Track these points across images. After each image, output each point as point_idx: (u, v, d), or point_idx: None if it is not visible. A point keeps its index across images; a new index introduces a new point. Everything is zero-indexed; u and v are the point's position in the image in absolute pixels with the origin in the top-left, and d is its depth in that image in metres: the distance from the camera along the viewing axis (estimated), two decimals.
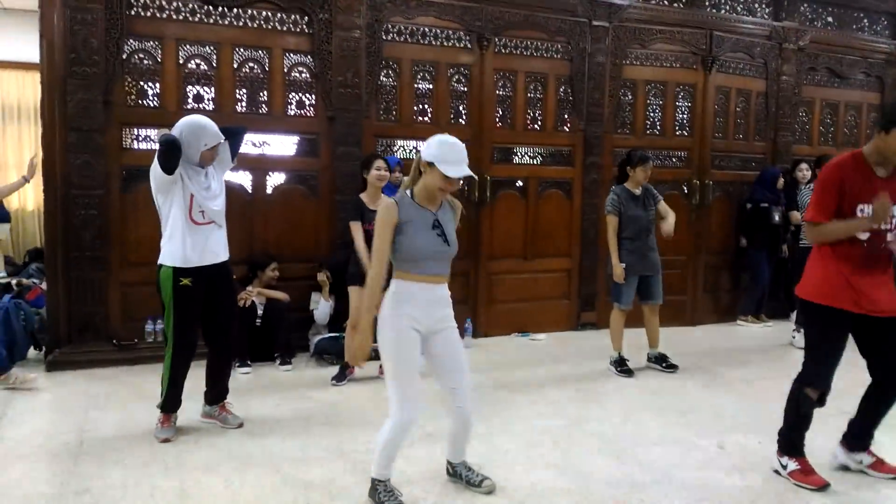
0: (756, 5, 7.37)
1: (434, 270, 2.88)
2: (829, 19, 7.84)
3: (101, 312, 5.11)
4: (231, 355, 4.11)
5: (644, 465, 3.49)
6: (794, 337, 6.05)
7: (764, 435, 3.82)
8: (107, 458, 3.43)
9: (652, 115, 6.96)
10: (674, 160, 7.06)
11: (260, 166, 5.59)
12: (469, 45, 6.13)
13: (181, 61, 5.29)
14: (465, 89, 6.18)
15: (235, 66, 5.43)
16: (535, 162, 6.64)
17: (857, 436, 3.42)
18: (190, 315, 3.76)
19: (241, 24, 5.40)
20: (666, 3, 6.88)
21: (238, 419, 3.95)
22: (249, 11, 5.41)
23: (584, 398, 4.60)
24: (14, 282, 6.02)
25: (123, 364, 5.05)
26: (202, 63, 5.35)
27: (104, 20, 4.97)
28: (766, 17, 7.40)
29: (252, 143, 5.57)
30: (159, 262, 3.74)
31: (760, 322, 7.19)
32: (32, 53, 5.42)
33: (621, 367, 5.17)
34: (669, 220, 5.13)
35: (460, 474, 3.16)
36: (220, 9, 5.32)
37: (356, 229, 4.62)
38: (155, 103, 5.25)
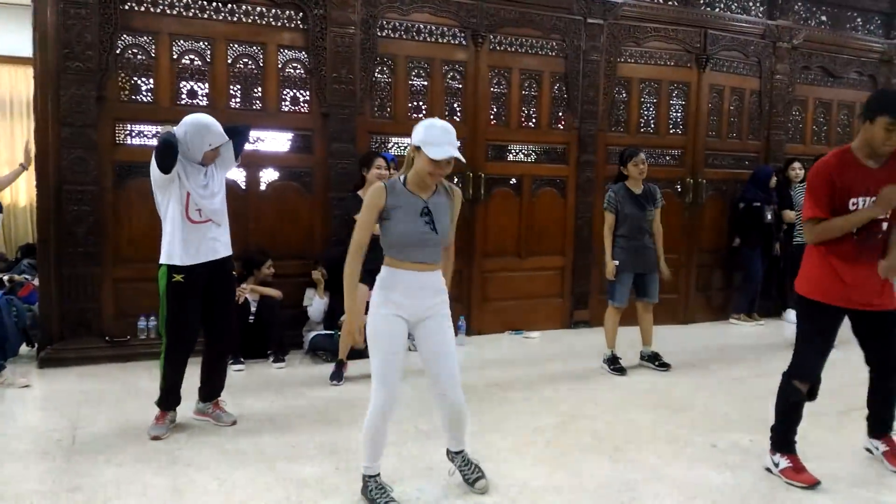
0: (750, 4, 7.39)
1: (420, 257, 2.86)
2: (823, 18, 7.87)
3: (94, 309, 5.10)
4: (228, 353, 4.10)
5: (636, 462, 3.50)
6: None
7: (756, 433, 3.84)
8: (99, 456, 3.42)
9: (646, 113, 6.97)
10: (667, 158, 7.08)
11: (254, 163, 5.58)
12: (464, 42, 6.13)
13: (175, 57, 5.27)
14: (460, 86, 6.18)
15: (230, 61, 5.41)
16: (529, 160, 6.65)
17: (873, 422, 3.50)
18: (183, 312, 3.74)
19: (235, 19, 5.39)
20: (661, 1, 6.89)
21: (231, 417, 3.94)
22: (244, 7, 5.39)
23: (576, 396, 4.61)
24: (6, 278, 6.00)
25: (116, 361, 5.04)
26: (196, 58, 5.33)
27: (98, 15, 4.95)
28: (760, 15, 7.41)
29: (246, 140, 5.55)
30: (160, 260, 3.74)
31: (753, 321, 7.23)
32: (25, 48, 5.40)
33: (614, 365, 5.19)
34: (663, 265, 5.24)
35: (457, 466, 3.15)
36: (214, 4, 5.30)
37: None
38: (149, 99, 5.23)
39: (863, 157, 3.19)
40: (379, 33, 5.79)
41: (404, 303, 2.86)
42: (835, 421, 3.52)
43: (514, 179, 6.52)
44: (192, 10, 5.26)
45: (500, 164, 6.44)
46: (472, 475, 3.11)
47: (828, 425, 3.51)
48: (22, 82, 8.01)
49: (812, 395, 3.29)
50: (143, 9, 5.13)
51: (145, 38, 5.18)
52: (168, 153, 3.55)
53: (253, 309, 5.21)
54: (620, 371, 5.15)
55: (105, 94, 5.04)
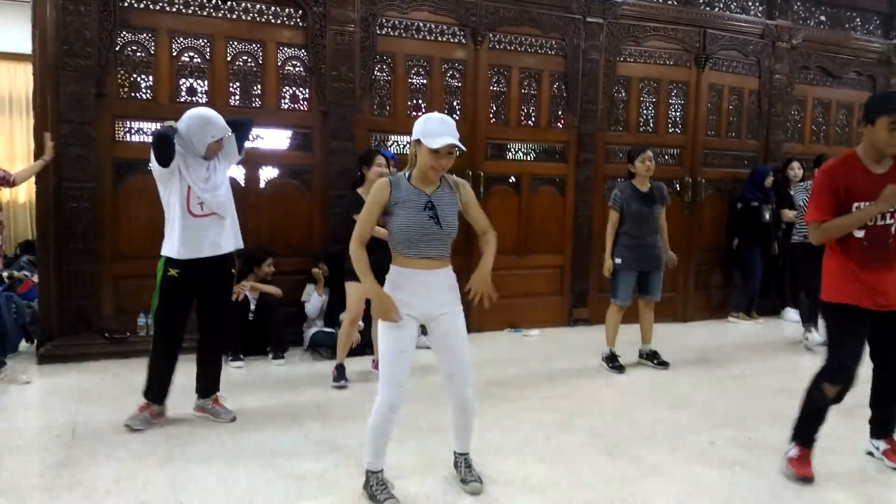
0: (749, 3, 7.40)
1: (427, 253, 2.85)
2: (822, 18, 7.89)
3: (94, 306, 5.10)
4: (221, 348, 4.09)
5: (635, 459, 3.51)
6: (805, 338, 6.02)
7: (754, 431, 3.85)
8: (99, 452, 3.42)
9: (645, 112, 6.99)
10: (666, 158, 7.09)
11: (253, 160, 5.57)
12: (463, 41, 6.13)
13: (174, 54, 5.27)
14: (459, 85, 6.19)
15: (229, 59, 5.42)
16: (528, 158, 6.66)
17: (876, 423, 3.51)
18: (175, 306, 3.75)
19: (234, 16, 5.39)
20: (660, 0, 6.90)
21: (231, 413, 3.94)
22: (243, 4, 5.40)
23: (575, 394, 4.62)
24: (5, 274, 5.99)
25: (115, 357, 5.04)
26: (195, 56, 5.34)
27: (97, 11, 4.95)
28: (759, 15, 7.43)
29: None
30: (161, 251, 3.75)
31: (752, 319, 7.23)
32: (24, 44, 5.39)
33: (613, 362, 5.19)
34: (670, 257, 5.26)
35: (459, 467, 3.15)
36: (213, 1, 5.31)
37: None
38: (148, 96, 5.23)
39: (868, 162, 3.18)
40: (378, 31, 5.80)
41: (414, 302, 2.85)
42: (838, 418, 3.52)
43: (513, 178, 6.53)
44: (192, 8, 5.27)
45: (499, 163, 6.45)
46: (469, 478, 3.10)
47: (831, 421, 3.51)
48: (21, 79, 7.99)
49: (839, 397, 3.28)
50: (142, 6, 5.13)
51: (145, 35, 5.18)
52: (163, 146, 3.56)
53: (252, 306, 5.22)
54: (619, 369, 5.16)
55: (104, 90, 5.05)
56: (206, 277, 3.79)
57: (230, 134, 3.81)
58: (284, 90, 5.62)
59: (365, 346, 5.11)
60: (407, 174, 2.91)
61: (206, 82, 5.38)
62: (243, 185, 5.57)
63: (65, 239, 5.00)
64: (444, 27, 6.05)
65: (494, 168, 6.39)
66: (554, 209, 6.64)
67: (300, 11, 5.55)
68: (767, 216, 7.00)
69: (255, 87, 5.52)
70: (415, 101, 6.04)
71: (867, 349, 3.33)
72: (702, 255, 7.30)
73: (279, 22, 5.52)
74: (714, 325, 7.16)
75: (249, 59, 5.49)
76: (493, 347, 5.86)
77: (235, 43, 5.43)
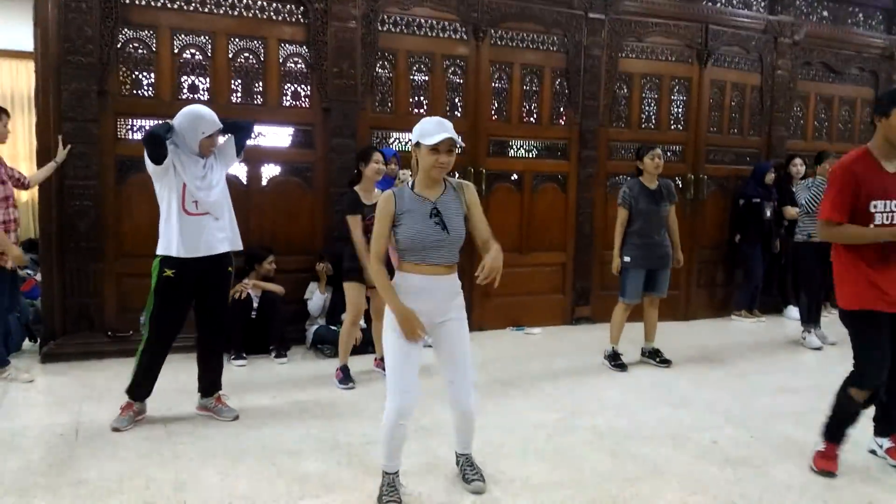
0: None
1: (434, 260, 2.86)
2: (825, 14, 7.86)
3: (96, 304, 5.11)
4: (221, 347, 4.08)
5: (637, 458, 3.51)
6: (803, 338, 6.02)
7: (756, 429, 3.85)
8: (102, 450, 3.43)
9: (647, 108, 6.97)
10: (668, 154, 7.06)
11: (255, 158, 5.58)
12: (465, 37, 6.12)
13: (176, 51, 5.26)
14: (461, 81, 6.17)
15: (230, 56, 5.41)
16: (530, 155, 6.65)
17: (880, 420, 3.51)
18: (170, 306, 3.74)
19: (236, 13, 5.38)
20: None
21: (233, 412, 3.95)
22: (244, 1, 5.39)
23: (578, 392, 4.62)
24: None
25: (118, 356, 5.02)
26: (197, 53, 5.33)
27: (99, 8, 4.94)
28: (761, 10, 7.41)
29: None
30: (156, 250, 3.75)
31: (754, 317, 7.23)
32: (26, 42, 5.39)
33: (615, 361, 5.19)
34: (678, 256, 5.28)
35: (461, 466, 3.17)
36: None
37: (354, 223, 4.53)
38: (150, 93, 5.23)
39: (881, 158, 3.17)
40: (380, 28, 5.79)
41: (419, 308, 2.84)
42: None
43: (515, 175, 6.52)
44: (193, 4, 5.26)
45: (501, 160, 6.44)
46: (471, 476, 3.11)
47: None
48: (23, 77, 7.99)
49: (869, 402, 3.28)
50: (143, 3, 5.13)
51: (146, 32, 5.17)
52: (153, 143, 3.56)
53: (255, 305, 5.22)
54: (621, 367, 5.16)
55: (106, 88, 5.05)
56: (203, 277, 3.78)
57: (221, 128, 3.78)
58: (286, 87, 5.61)
59: (367, 344, 5.11)
60: (410, 184, 2.91)
61: (207, 79, 5.37)
62: (245, 182, 5.57)
63: (67, 237, 5.00)
64: (446, 23, 6.04)
65: (496, 165, 6.37)
66: (556, 206, 6.63)
67: (301, 8, 5.54)
68: (769, 213, 6.98)
69: (256, 84, 5.52)
70: (416, 98, 6.03)
71: None
72: (704, 253, 7.29)
73: (280, 18, 5.51)
74: (716, 323, 7.16)
75: (251, 56, 5.48)
76: (495, 346, 5.86)
77: (237, 40, 5.42)
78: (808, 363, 5.45)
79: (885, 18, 8.19)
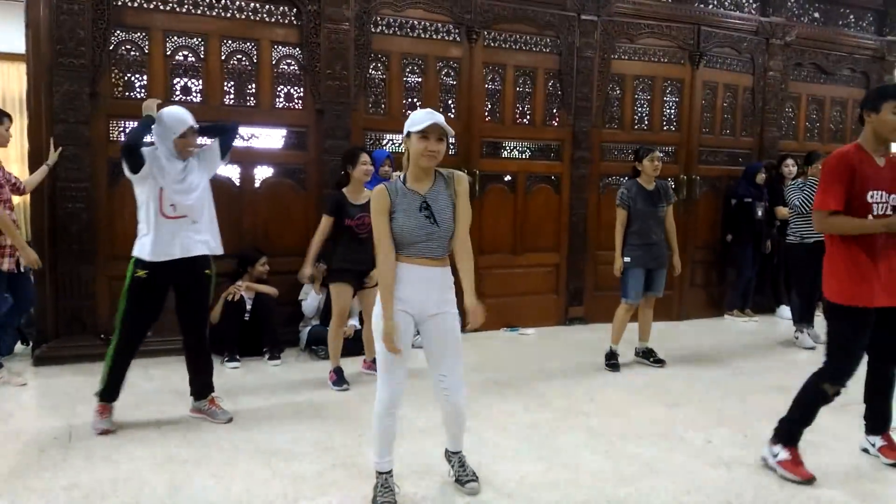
0: (743, 0, 7.41)
1: (426, 253, 2.86)
2: (816, 15, 7.91)
3: (89, 307, 5.08)
4: (207, 349, 4.03)
5: (631, 458, 3.52)
6: (796, 338, 6.04)
7: (750, 428, 3.87)
8: (96, 453, 3.42)
9: (640, 109, 6.99)
10: (661, 155, 7.06)
11: (248, 159, 5.57)
12: (458, 39, 6.12)
13: (168, 53, 5.25)
14: (454, 83, 6.18)
15: (223, 57, 5.40)
16: (523, 156, 6.66)
17: (872, 420, 3.53)
18: (141, 308, 3.72)
19: (228, 15, 5.37)
20: None
21: (227, 414, 3.94)
22: (237, 3, 5.38)
23: (572, 392, 4.62)
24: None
25: None
26: (190, 55, 5.32)
27: (91, 11, 4.93)
28: (753, 12, 7.44)
29: (240, 136, 5.55)
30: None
31: (747, 317, 7.26)
32: (18, 44, 5.37)
33: (610, 360, 5.21)
34: (676, 259, 5.30)
35: (453, 466, 3.16)
36: (207, 0, 5.28)
37: (325, 223, 4.58)
38: (142, 95, 5.20)
39: (871, 153, 3.22)
40: (373, 29, 5.79)
41: (410, 298, 2.86)
42: (832, 414, 3.55)
43: (508, 176, 6.53)
44: (186, 6, 5.25)
45: (494, 161, 6.45)
46: (465, 477, 3.11)
47: (825, 418, 3.53)
48: (15, 79, 7.96)
49: (834, 396, 3.28)
50: (136, 4, 5.11)
51: (138, 34, 5.16)
52: (129, 155, 3.59)
53: (248, 307, 5.21)
54: (614, 368, 5.17)
55: (98, 90, 5.03)
56: (178, 279, 3.77)
57: (193, 128, 3.75)
58: (279, 89, 5.61)
59: (362, 346, 5.10)
60: (402, 177, 2.92)
61: (200, 81, 5.36)
62: (238, 184, 5.56)
63: (59, 240, 4.98)
64: (439, 25, 6.05)
65: (490, 166, 6.38)
66: (549, 207, 6.64)
67: (294, 10, 5.54)
68: (760, 213, 7.01)
69: (249, 86, 5.51)
70: (410, 100, 6.03)
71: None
72: (697, 253, 7.31)
73: (273, 20, 5.51)
74: (710, 322, 7.18)
75: (244, 58, 5.47)
76: (488, 347, 5.86)
77: (229, 41, 5.41)
78: (800, 363, 5.46)
79: (876, 20, 8.24)
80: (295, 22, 5.56)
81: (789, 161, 7.08)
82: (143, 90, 5.21)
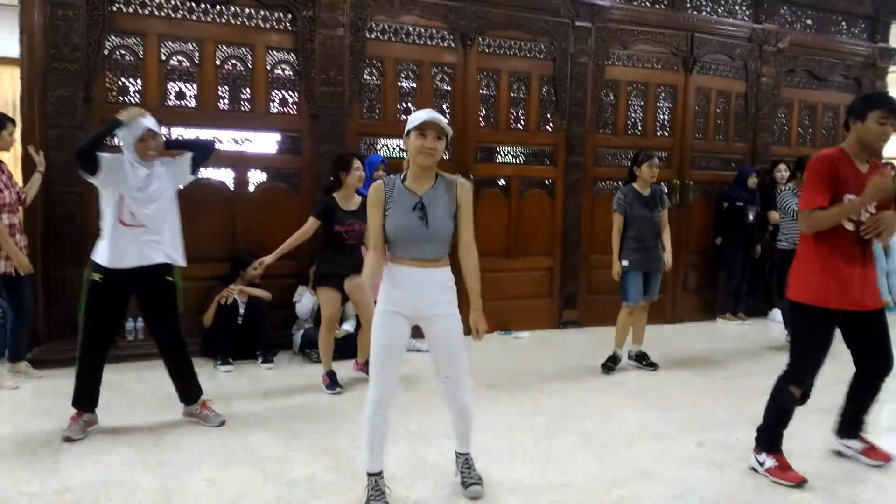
0: (736, 7, 7.46)
1: (417, 254, 2.86)
2: (809, 22, 7.96)
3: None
4: (186, 354, 3.97)
5: (625, 461, 3.53)
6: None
7: (742, 432, 3.87)
8: (88, 457, 3.41)
9: (633, 115, 7.03)
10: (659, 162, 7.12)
11: (242, 163, 5.58)
12: (453, 45, 6.15)
13: (163, 58, 5.26)
14: (449, 88, 6.20)
15: (218, 63, 5.41)
16: (517, 161, 6.68)
17: (847, 424, 3.53)
18: (100, 312, 3.69)
19: (223, 20, 5.39)
20: (648, 4, 6.94)
21: (220, 417, 3.93)
22: (232, 8, 5.39)
23: (565, 396, 4.63)
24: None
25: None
26: (184, 60, 5.33)
27: (85, 16, 4.93)
28: (746, 19, 7.49)
29: (234, 141, 5.57)
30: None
31: (739, 320, 7.29)
32: (12, 48, 5.36)
33: (607, 363, 5.24)
34: (668, 258, 5.28)
35: (459, 467, 3.16)
36: (202, 6, 5.30)
37: (309, 224, 4.57)
38: (136, 100, 5.21)
39: (855, 159, 3.25)
40: (368, 35, 5.80)
41: (404, 299, 2.86)
42: (818, 419, 3.57)
43: (502, 181, 6.55)
44: (181, 12, 5.26)
45: (489, 166, 6.47)
46: (469, 480, 3.11)
47: (811, 423, 3.56)
48: (8, 83, 7.96)
49: (804, 398, 3.32)
50: (130, 10, 5.12)
51: (133, 39, 5.17)
52: (80, 159, 3.59)
53: (241, 311, 5.21)
54: (608, 370, 5.19)
55: (92, 95, 5.03)
56: (137, 288, 3.73)
57: (150, 130, 3.69)
58: (273, 94, 5.62)
59: (356, 349, 5.11)
60: (402, 176, 2.93)
61: (194, 86, 5.37)
62: (232, 188, 5.57)
63: (52, 243, 4.97)
64: (434, 31, 6.07)
65: (484, 171, 6.40)
66: (543, 212, 6.67)
67: (289, 15, 5.55)
68: (752, 217, 7.05)
69: (244, 91, 5.52)
70: (404, 105, 6.05)
71: (843, 351, 3.39)
72: (690, 257, 7.34)
73: (268, 26, 5.52)
74: (702, 326, 7.20)
75: (238, 63, 5.48)
76: (482, 350, 5.82)
77: (224, 47, 5.42)
78: None
79: (868, 27, 8.29)
80: (290, 27, 5.57)
81: (781, 166, 7.12)
82: (137, 95, 5.22)
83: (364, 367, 4.69)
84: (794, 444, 3.43)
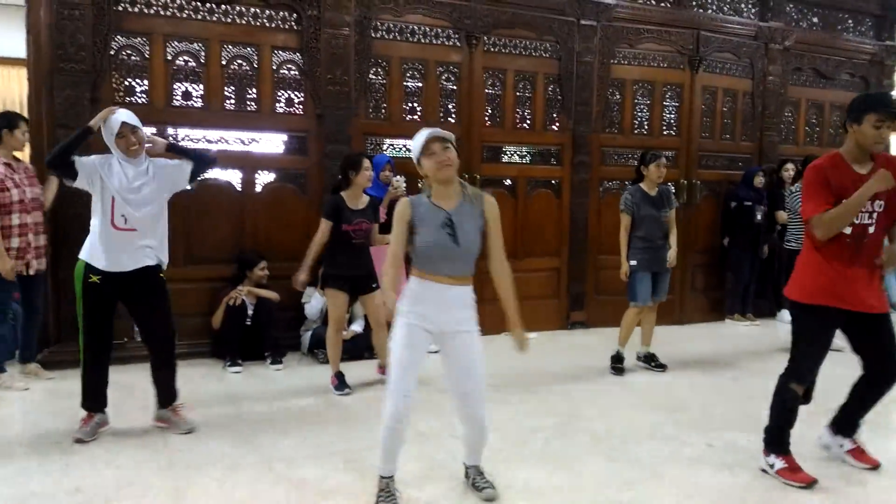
0: (742, 5, 7.43)
1: (445, 270, 2.86)
2: (815, 20, 7.93)
3: None
4: (174, 357, 3.92)
5: (634, 462, 3.52)
6: None
7: (752, 432, 3.85)
8: (98, 458, 3.41)
9: (639, 114, 7.01)
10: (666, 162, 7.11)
11: (249, 164, 5.58)
12: (458, 44, 6.14)
13: (169, 58, 5.26)
14: (455, 88, 6.19)
15: (224, 62, 5.41)
16: (524, 161, 6.67)
17: (844, 421, 3.52)
18: (99, 313, 3.68)
19: (229, 20, 5.39)
20: (653, 2, 6.93)
21: (189, 424, 3.83)
22: (238, 8, 5.39)
23: (574, 397, 4.63)
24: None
25: (113, 363, 4.90)
26: (190, 60, 5.33)
27: (92, 16, 4.94)
28: (752, 17, 7.46)
29: (240, 141, 5.57)
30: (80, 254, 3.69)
31: (747, 320, 7.27)
32: (19, 49, 5.38)
33: (616, 363, 5.23)
34: (672, 254, 5.25)
35: (471, 477, 3.16)
36: (208, 5, 5.30)
37: (324, 227, 4.55)
38: (143, 100, 5.22)
39: (852, 162, 3.22)
40: (373, 34, 5.80)
41: (429, 315, 2.87)
42: (826, 420, 3.55)
43: (508, 180, 6.55)
44: (186, 12, 5.26)
45: (495, 166, 6.46)
46: (482, 484, 3.11)
47: (819, 424, 3.55)
48: (15, 83, 7.97)
49: (807, 397, 3.31)
50: (136, 10, 5.12)
51: (139, 39, 5.17)
52: (52, 167, 3.65)
53: (250, 311, 5.21)
54: (619, 371, 5.18)
55: (99, 95, 5.03)
56: (128, 289, 3.70)
57: (129, 124, 3.65)
58: (279, 94, 5.61)
59: (363, 350, 5.11)
60: (427, 194, 2.93)
61: (201, 86, 5.37)
62: (239, 188, 5.57)
63: (61, 244, 4.97)
64: (439, 30, 6.06)
65: (490, 171, 6.40)
66: (550, 212, 6.65)
67: (294, 15, 5.55)
68: (759, 216, 7.03)
69: (250, 91, 5.51)
70: (410, 105, 6.04)
71: (845, 355, 3.41)
72: (697, 257, 7.32)
73: (274, 26, 5.52)
74: (711, 327, 7.18)
75: (244, 63, 5.48)
76: (490, 351, 5.74)
77: (230, 47, 5.42)
78: None
79: (875, 24, 8.27)
80: (295, 27, 5.57)
81: (789, 165, 7.10)
82: (144, 95, 5.22)
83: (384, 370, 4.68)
84: (802, 446, 3.42)
